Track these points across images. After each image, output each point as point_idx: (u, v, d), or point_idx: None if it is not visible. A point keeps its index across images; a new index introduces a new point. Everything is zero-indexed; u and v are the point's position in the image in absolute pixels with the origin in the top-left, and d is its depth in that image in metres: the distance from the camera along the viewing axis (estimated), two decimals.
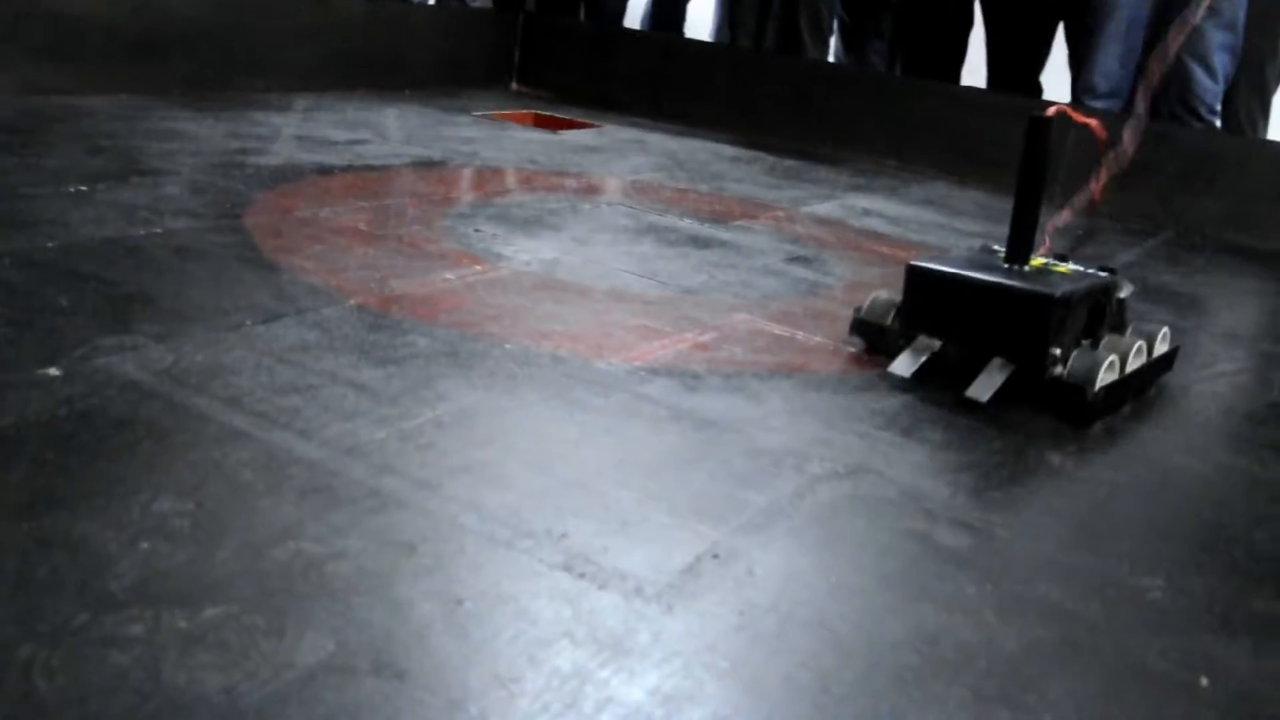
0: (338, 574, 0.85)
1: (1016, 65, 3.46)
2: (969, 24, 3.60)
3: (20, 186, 1.85)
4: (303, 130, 2.74)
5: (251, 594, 0.81)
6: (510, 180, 2.46)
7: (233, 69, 3.25)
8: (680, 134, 3.48)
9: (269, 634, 0.77)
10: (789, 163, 3.18)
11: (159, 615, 0.77)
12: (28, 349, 1.19)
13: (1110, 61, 3.07)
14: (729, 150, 3.29)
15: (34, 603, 0.77)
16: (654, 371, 1.36)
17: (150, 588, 0.80)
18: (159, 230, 1.69)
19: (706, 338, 1.51)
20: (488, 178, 2.47)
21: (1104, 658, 0.87)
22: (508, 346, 1.37)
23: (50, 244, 1.56)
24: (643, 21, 4.38)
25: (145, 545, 0.85)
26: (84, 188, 1.89)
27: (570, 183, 2.50)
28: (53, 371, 1.14)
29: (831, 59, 3.95)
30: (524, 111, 3.67)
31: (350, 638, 0.77)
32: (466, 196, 2.24)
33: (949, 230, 2.47)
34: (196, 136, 2.47)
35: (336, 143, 2.62)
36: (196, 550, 0.86)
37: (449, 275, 1.64)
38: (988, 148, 3.31)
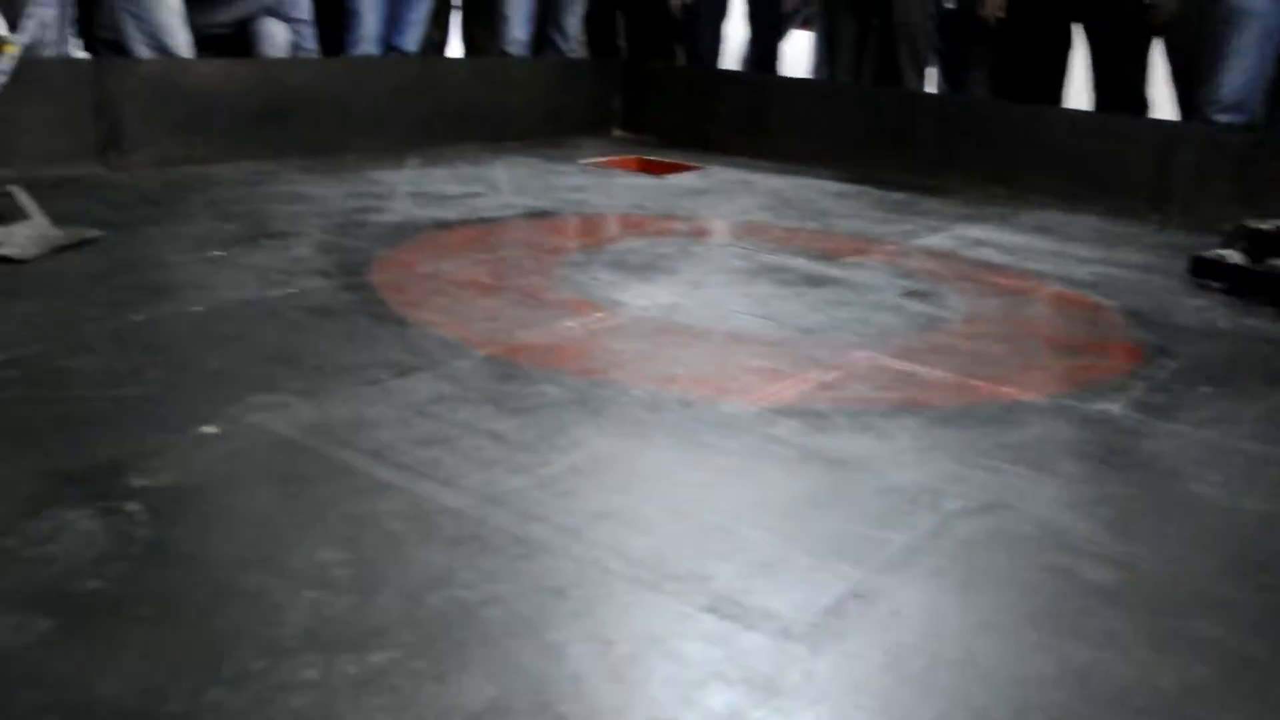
0: (492, 619, 0.87)
1: (1123, 83, 3.40)
2: (1068, 45, 3.55)
3: (166, 254, 1.95)
4: (417, 186, 2.83)
5: (413, 639, 0.84)
6: (621, 226, 2.50)
7: (347, 131, 3.37)
8: (784, 172, 3.50)
9: (433, 678, 0.80)
10: (896, 196, 3.17)
11: (330, 661, 0.81)
12: (186, 408, 1.26)
13: (1238, 75, 3.00)
14: (834, 186, 3.29)
15: (216, 649, 0.81)
16: (780, 412, 1.37)
17: (319, 635, 0.84)
18: (293, 290, 1.76)
19: (829, 377, 1.52)
20: (599, 225, 2.52)
21: (1273, 698, 0.85)
22: (635, 392, 1.40)
23: (197, 308, 1.64)
24: (740, 62, 4.41)
25: (311, 594, 0.89)
26: (221, 253, 1.98)
27: (680, 226, 2.53)
28: (210, 430, 1.20)
29: (931, 89, 3.94)
30: (628, 157, 3.72)
31: (509, 681, 0.80)
32: (580, 244, 2.28)
33: (1066, 258, 2.43)
34: (318, 198, 2.57)
35: (450, 197, 2.69)
36: (358, 598, 0.89)
37: (571, 323, 1.68)
38: (1099, 170, 3.26)
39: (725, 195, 3.03)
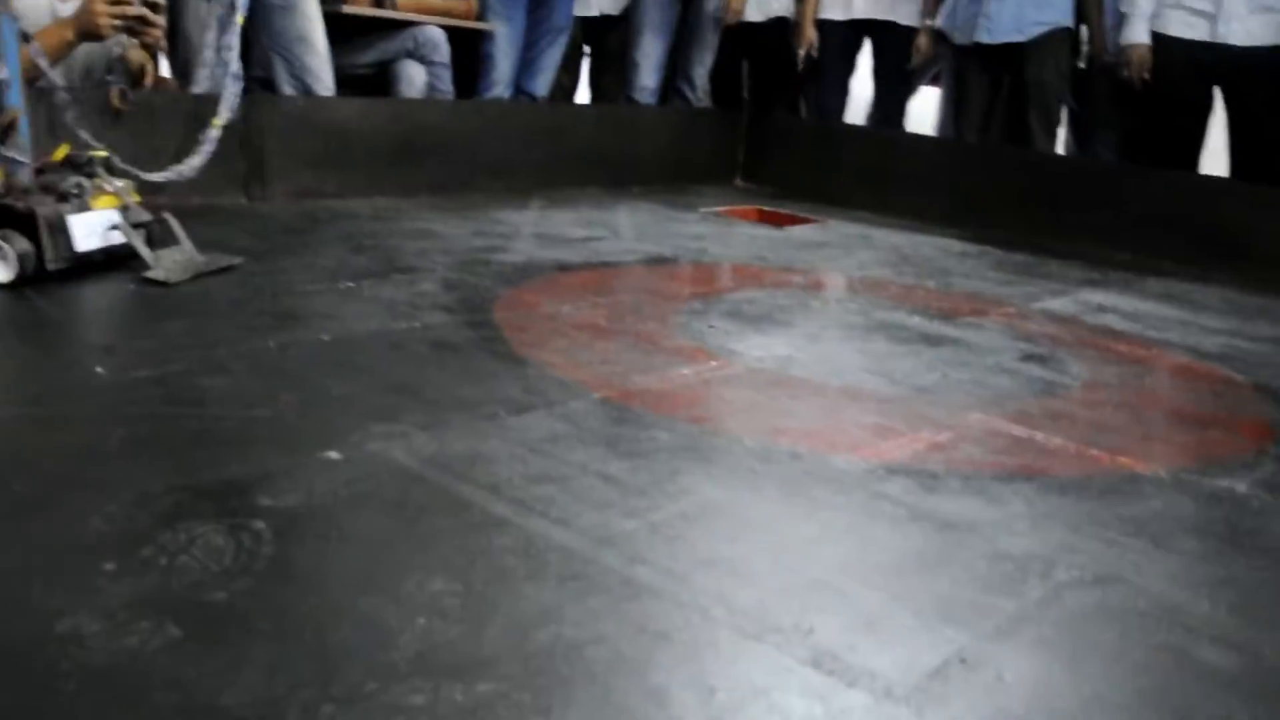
0: (597, 658, 0.89)
1: (1263, 151, 3.31)
2: (1208, 110, 3.47)
3: (300, 283, 2.03)
4: (540, 228, 2.89)
5: (519, 672, 0.86)
6: (740, 276, 2.52)
7: (476, 171, 3.47)
8: (905, 229, 3.48)
9: (536, 712, 0.82)
10: (1018, 257, 3.13)
11: (438, 687, 0.83)
12: (311, 433, 1.31)
13: None
14: (956, 245, 3.26)
15: (330, 667, 0.85)
16: (891, 470, 1.36)
17: (429, 661, 0.87)
18: (418, 325, 1.82)
19: (942, 437, 1.51)
20: (718, 274, 2.54)
21: None
22: (747, 442, 1.41)
23: (326, 336, 1.70)
24: (866, 117, 4.41)
25: (422, 621, 0.92)
26: (352, 284, 2.06)
27: (798, 278, 2.54)
28: (333, 455, 1.25)
29: (1060, 150, 3.88)
30: (749, 207, 3.75)
31: None
32: (698, 292, 2.31)
33: (1193, 327, 2.37)
34: (445, 235, 2.65)
35: (572, 240, 2.75)
36: (467, 628, 0.92)
37: (685, 370, 1.70)
38: (1233, 239, 3.17)
39: (844, 249, 3.03)
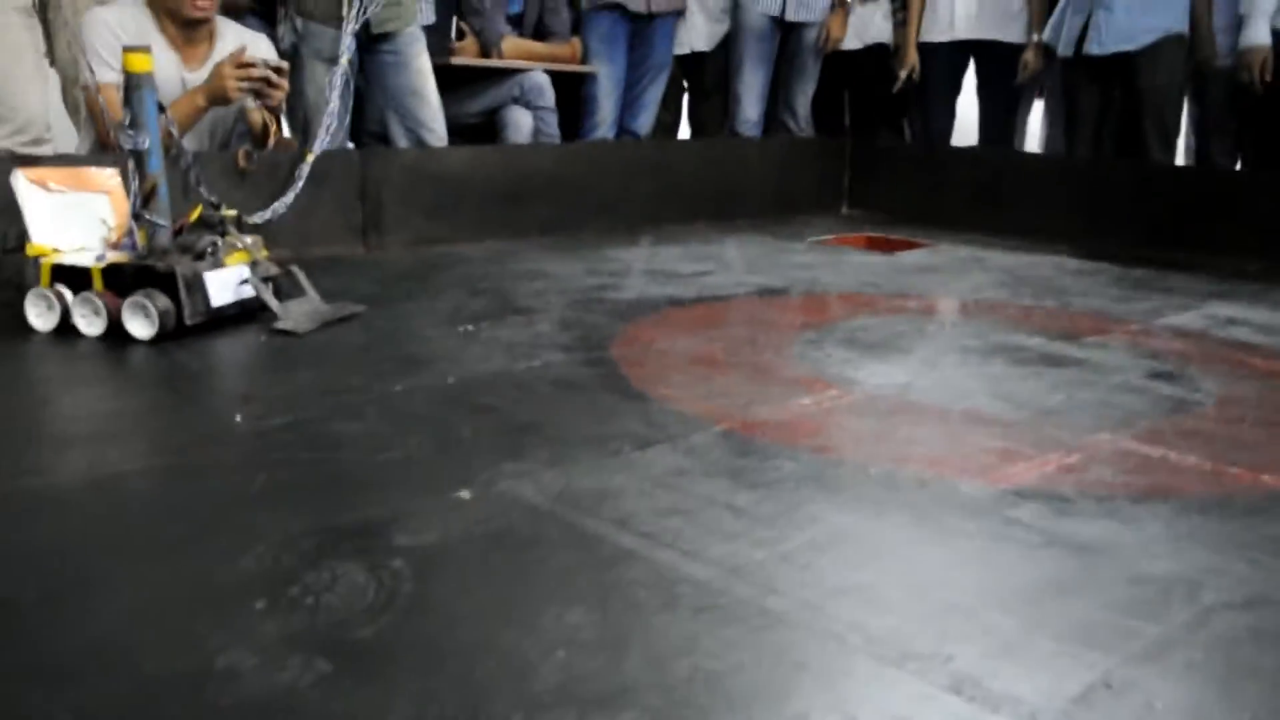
0: (736, 688, 0.90)
1: None
2: None
3: (421, 328, 2.09)
4: (651, 265, 2.92)
5: (660, 703, 0.87)
6: (853, 304, 2.51)
7: (584, 211, 3.52)
8: (1018, 249, 3.42)
9: None
10: (1137, 273, 3.05)
11: (583, 716, 0.85)
12: (442, 474, 1.35)
13: None
14: (1071, 263, 3.19)
15: (477, 699, 0.87)
16: (1021, 495, 1.34)
17: (571, 691, 0.88)
18: (538, 363, 1.85)
19: (1072, 460, 1.48)
20: (831, 303, 2.53)
21: None
22: (871, 470, 1.40)
23: (450, 379, 1.75)
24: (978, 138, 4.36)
25: (562, 653, 0.94)
26: (471, 327, 2.11)
27: (912, 304, 2.52)
28: (465, 494, 1.28)
29: (1180, 160, 3.79)
30: (857, 235, 3.73)
31: None
32: (812, 322, 2.30)
33: None
34: (558, 275, 2.69)
35: (684, 275, 2.77)
36: (606, 660, 0.93)
37: (805, 400, 1.70)
38: None
39: (957, 273, 2.99)
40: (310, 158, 2.48)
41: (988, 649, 0.97)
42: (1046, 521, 1.26)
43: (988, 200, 3.91)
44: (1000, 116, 4.17)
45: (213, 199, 2.18)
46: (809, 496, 1.30)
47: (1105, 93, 3.65)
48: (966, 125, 4.39)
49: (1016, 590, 1.09)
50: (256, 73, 2.51)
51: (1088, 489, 1.37)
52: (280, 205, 2.37)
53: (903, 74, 4.09)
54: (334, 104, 2.64)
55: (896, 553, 1.17)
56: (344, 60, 2.55)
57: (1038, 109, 4.49)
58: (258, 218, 2.30)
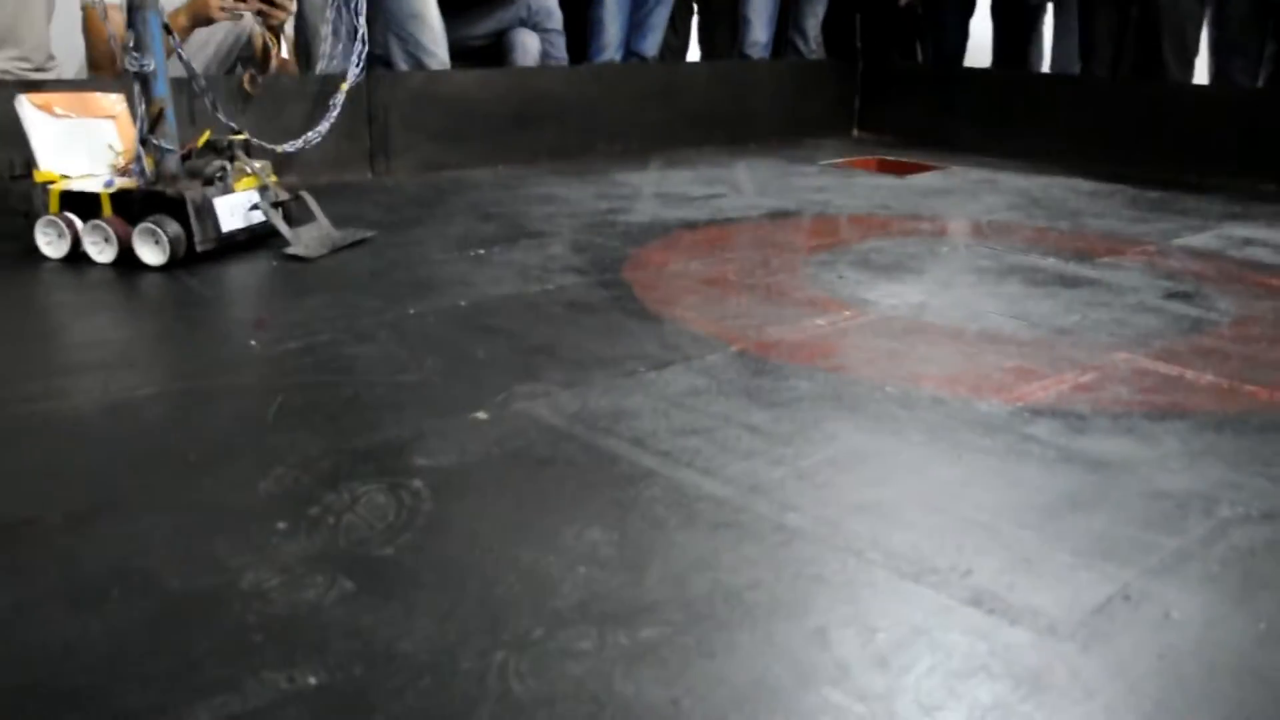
0: (756, 602, 0.90)
1: None
2: None
3: (432, 253, 2.08)
4: (661, 188, 2.90)
5: (681, 618, 0.88)
6: (866, 226, 2.49)
7: (593, 135, 3.49)
8: (1032, 171, 3.38)
9: (701, 655, 0.83)
10: (1152, 194, 3.02)
11: (603, 633, 0.85)
12: (458, 396, 1.35)
13: None
14: (1086, 185, 3.16)
15: (498, 616, 0.87)
16: (1037, 413, 1.34)
17: (592, 608, 0.89)
18: (551, 287, 1.85)
19: (1087, 378, 1.47)
20: (843, 225, 2.51)
21: None
22: (888, 389, 1.40)
23: (463, 302, 1.74)
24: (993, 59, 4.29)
25: (583, 570, 0.95)
26: (482, 251, 2.10)
27: (925, 226, 2.50)
28: (481, 415, 1.28)
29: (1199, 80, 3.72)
30: (869, 158, 3.69)
31: (774, 661, 0.82)
32: (825, 244, 2.29)
33: None
34: (569, 199, 2.67)
35: (695, 198, 2.75)
36: (627, 576, 0.94)
37: (820, 321, 1.69)
38: None
39: (970, 195, 2.96)
40: (345, 88, 2.45)
41: (1006, 563, 0.97)
42: (1063, 438, 1.26)
43: (1001, 122, 3.87)
44: (1015, 36, 4.11)
45: (231, 124, 2.16)
46: (825, 415, 1.30)
47: (1123, 11, 3.58)
48: (980, 46, 4.32)
49: (1034, 505, 1.09)
50: None
51: (1104, 407, 1.37)
52: (314, 134, 2.34)
53: None
54: (328, 28, 2.60)
55: (913, 469, 1.17)
56: None
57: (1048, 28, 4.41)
58: (289, 146, 2.28)
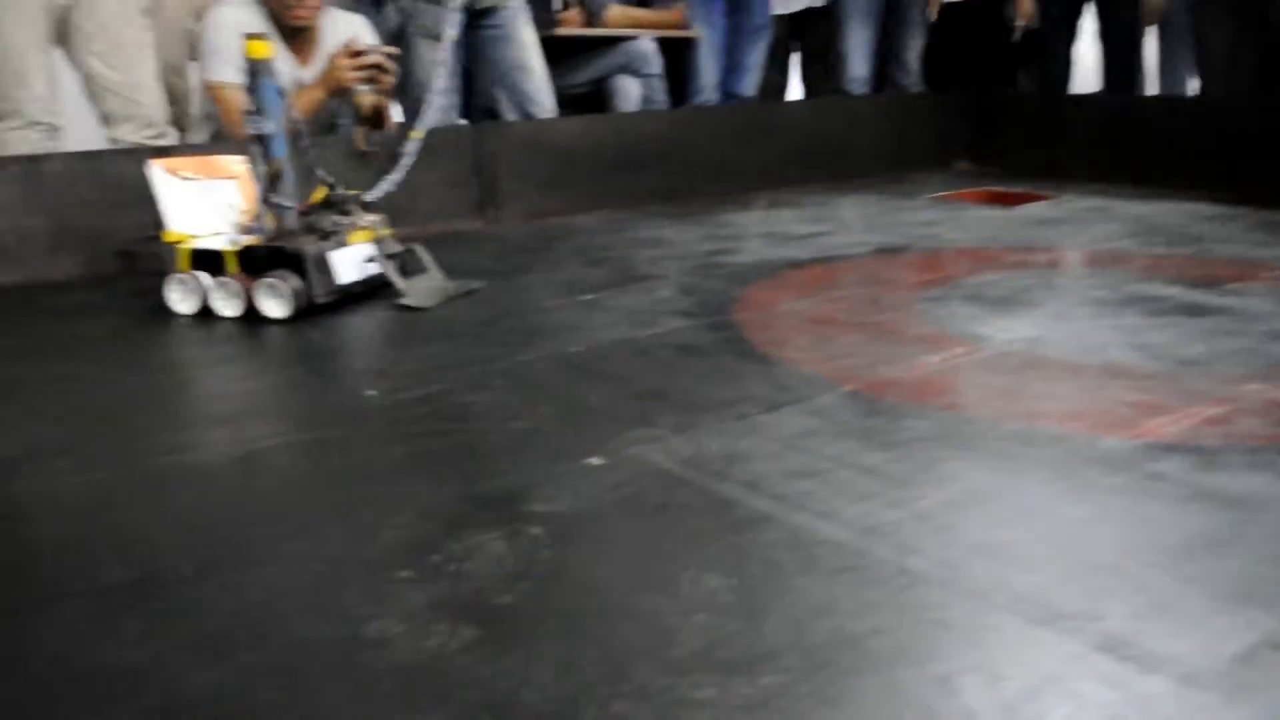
0: (878, 648, 0.89)
1: None
2: None
3: (542, 299, 2.11)
4: (767, 227, 2.90)
5: (801, 665, 0.87)
6: (976, 260, 2.45)
7: (696, 176, 3.50)
8: (1147, 197, 3.29)
9: (823, 703, 0.82)
10: (1279, 216, 2.91)
11: (724, 681, 0.85)
12: (573, 441, 1.36)
13: None
14: (1206, 209, 3.06)
15: (618, 665, 0.88)
16: (1165, 449, 1.30)
17: (712, 656, 0.88)
18: (660, 330, 1.86)
19: (1217, 411, 1.42)
20: (953, 259, 2.48)
21: None
22: (1005, 427, 1.37)
23: (575, 348, 1.76)
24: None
25: (700, 617, 0.94)
26: (591, 296, 2.12)
27: (1038, 257, 2.45)
28: (596, 461, 1.29)
29: None
30: (976, 190, 3.64)
31: (900, 709, 0.81)
32: (936, 279, 2.25)
33: None
34: (675, 242, 2.69)
35: (800, 236, 2.74)
36: (745, 623, 0.93)
37: (933, 358, 1.67)
38: None
39: (1083, 224, 2.90)
40: (415, 136, 2.51)
41: (1139, 607, 0.94)
42: (1194, 475, 1.22)
43: (1113, 148, 3.77)
44: (1123, 60, 4.02)
45: (329, 179, 2.23)
46: (942, 455, 1.28)
47: (1240, 29, 3.48)
48: (1083, 72, 4.24)
49: (1165, 546, 1.06)
50: (370, 60, 2.56)
51: (1236, 441, 1.32)
52: (388, 183, 2.40)
53: (1020, 23, 3.96)
54: (440, 82, 2.67)
55: (1037, 509, 1.14)
56: (450, 36, 2.57)
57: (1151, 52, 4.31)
58: (368, 196, 2.35)
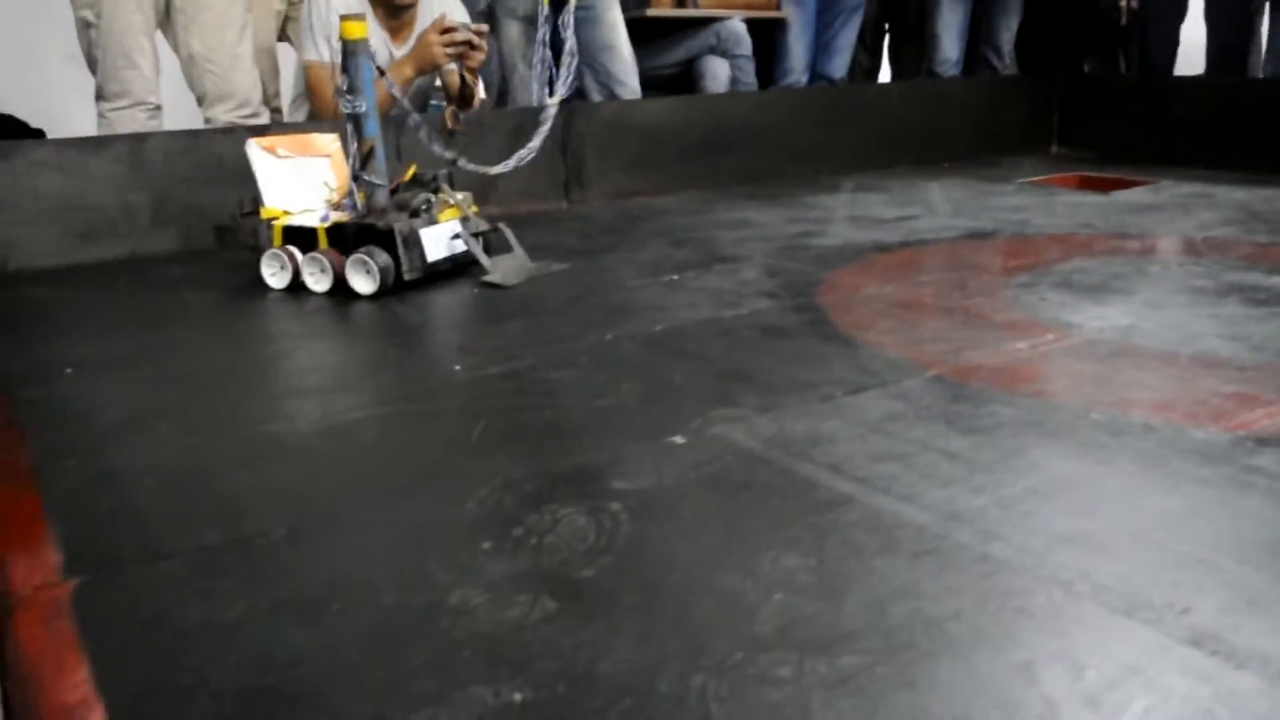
0: (958, 633, 0.88)
1: None
2: None
3: (626, 279, 2.12)
4: (853, 211, 2.87)
5: (880, 646, 0.87)
6: (1068, 246, 2.40)
7: (783, 159, 3.48)
8: (1252, 184, 3.19)
9: (902, 685, 0.82)
10: None
11: (802, 659, 0.85)
12: (656, 419, 1.37)
13: None
14: None
15: (697, 639, 0.88)
16: (1262, 441, 1.26)
17: (790, 634, 0.89)
18: (744, 311, 1.86)
19: None
20: (1044, 245, 2.43)
21: None
22: (1094, 416, 1.35)
23: (658, 327, 1.77)
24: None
25: (780, 596, 0.94)
26: (675, 277, 2.12)
27: (1133, 244, 2.39)
28: (678, 439, 1.30)
29: None
30: (1070, 175, 3.56)
31: (977, 695, 0.80)
32: (1025, 265, 2.22)
33: None
34: (760, 224, 2.68)
35: (887, 220, 2.71)
36: (825, 603, 0.93)
37: (1021, 345, 1.64)
38: None
39: (1182, 210, 2.82)
40: (552, 104, 2.51)
41: (1229, 602, 0.92)
42: None
43: (1216, 133, 3.66)
44: (1231, 40, 3.89)
45: (448, 154, 2.26)
46: (1028, 442, 1.26)
47: None
48: (1188, 52, 4.12)
49: (1260, 541, 1.03)
50: (460, 36, 2.59)
51: None
52: (526, 152, 2.41)
53: (1124, 2, 3.86)
54: (525, 64, 2.68)
55: (1124, 500, 1.12)
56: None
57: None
58: (500, 168, 2.36)
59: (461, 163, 2.21)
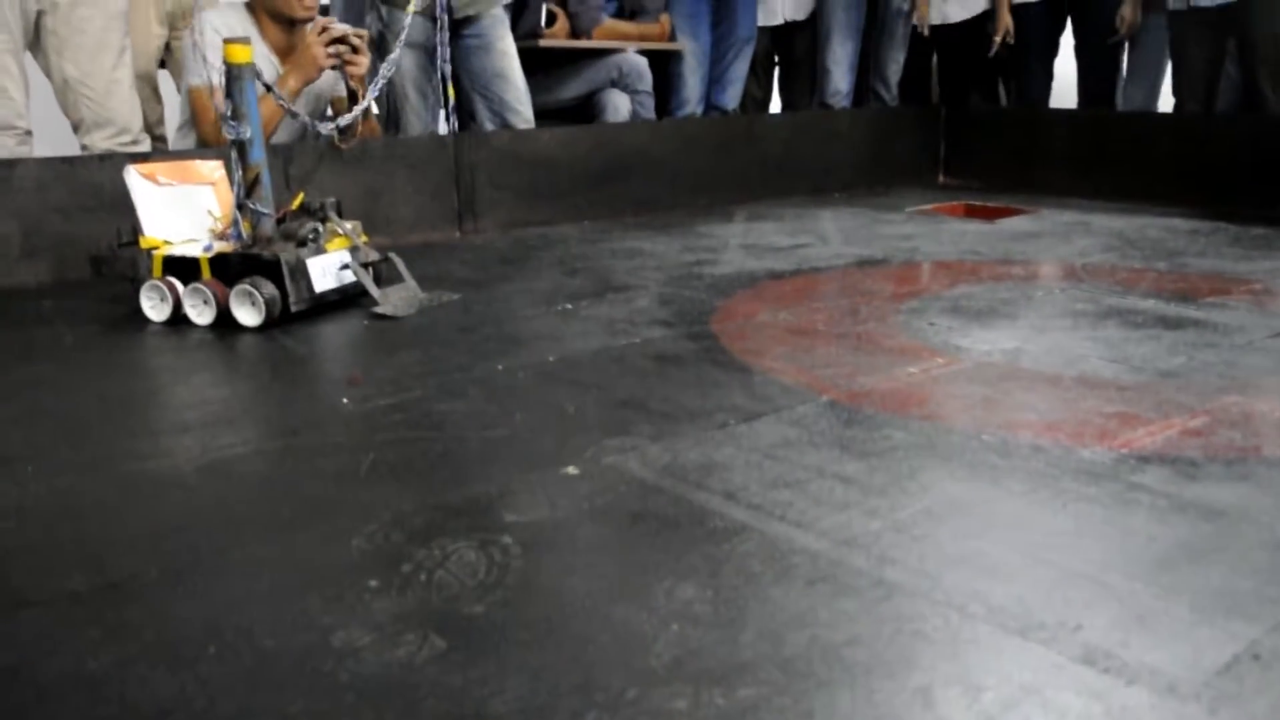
0: (856, 660, 0.87)
1: None
2: None
3: (520, 309, 2.09)
4: (747, 239, 2.89)
5: (778, 676, 0.85)
6: (956, 272, 2.45)
7: (677, 189, 3.50)
8: (1125, 212, 3.31)
9: (800, 715, 0.80)
10: (1256, 231, 2.92)
11: (699, 692, 0.83)
12: (549, 449, 1.34)
13: None
14: (1183, 224, 3.08)
15: (591, 675, 0.86)
16: (1144, 459, 1.29)
17: (687, 666, 0.87)
18: (638, 340, 1.84)
19: (1197, 423, 1.42)
20: (932, 272, 2.48)
21: None
22: (984, 437, 1.36)
23: (551, 357, 1.75)
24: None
25: (676, 628, 0.93)
26: (569, 306, 2.10)
27: (1017, 270, 2.45)
28: (572, 470, 1.27)
29: None
30: (956, 203, 3.65)
31: None
32: (915, 291, 2.25)
33: None
34: (655, 253, 2.68)
35: (780, 248, 2.73)
36: (722, 633, 0.92)
37: (912, 369, 1.66)
38: None
39: (1062, 238, 2.90)
40: (410, 11, 2.54)
41: (1119, 618, 0.93)
42: (1174, 486, 1.21)
43: (1092, 163, 3.79)
44: (1100, 75, 4.03)
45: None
46: (920, 465, 1.27)
47: (1217, 44, 3.50)
48: (1062, 87, 4.26)
49: (1146, 557, 1.05)
50: (337, 33, 2.55)
51: (1216, 452, 1.31)
52: (388, 67, 2.46)
53: (998, 38, 3.98)
54: (416, 92, 2.67)
55: (1015, 520, 1.13)
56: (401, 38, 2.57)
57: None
58: (343, 121, 2.42)
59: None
